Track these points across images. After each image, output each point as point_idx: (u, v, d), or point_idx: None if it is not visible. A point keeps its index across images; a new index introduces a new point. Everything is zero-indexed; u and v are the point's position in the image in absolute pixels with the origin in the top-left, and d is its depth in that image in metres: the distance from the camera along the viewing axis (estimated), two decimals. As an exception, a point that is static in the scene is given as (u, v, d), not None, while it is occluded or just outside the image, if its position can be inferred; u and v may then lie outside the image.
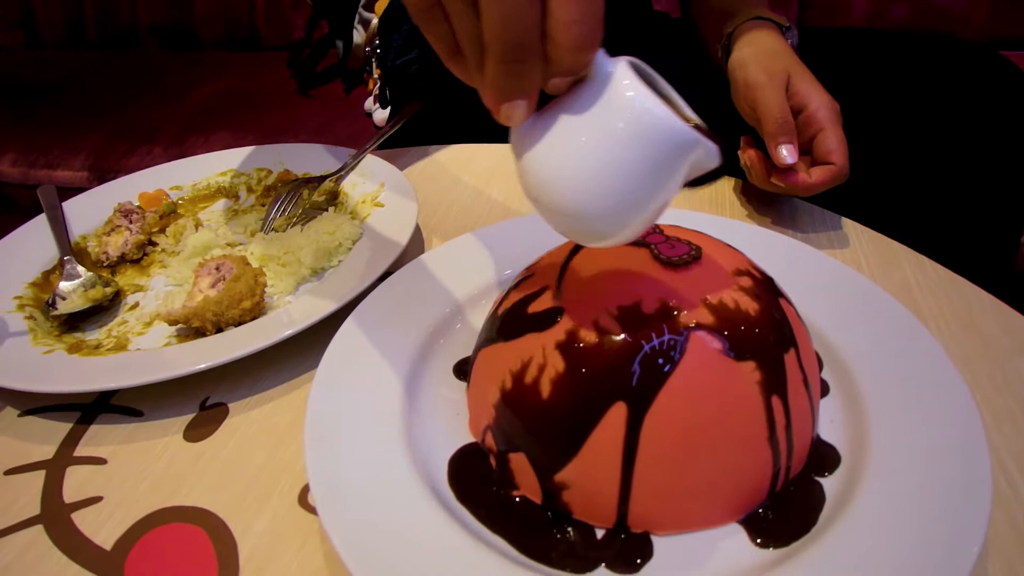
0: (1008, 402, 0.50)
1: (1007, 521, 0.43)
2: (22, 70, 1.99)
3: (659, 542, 0.41)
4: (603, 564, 0.40)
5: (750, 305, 0.43)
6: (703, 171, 0.37)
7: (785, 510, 0.42)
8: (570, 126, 0.35)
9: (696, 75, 0.90)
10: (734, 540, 0.41)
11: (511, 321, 0.46)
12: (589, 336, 0.41)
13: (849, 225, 0.70)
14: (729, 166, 0.77)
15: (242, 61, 1.85)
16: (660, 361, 0.39)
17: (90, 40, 2.03)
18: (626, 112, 0.34)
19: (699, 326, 0.41)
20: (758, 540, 0.41)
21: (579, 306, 0.43)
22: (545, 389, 0.41)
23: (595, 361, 0.40)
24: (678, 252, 0.46)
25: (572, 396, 0.41)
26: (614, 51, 0.37)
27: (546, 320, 0.43)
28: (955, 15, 1.52)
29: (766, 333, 0.42)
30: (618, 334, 0.40)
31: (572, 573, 0.40)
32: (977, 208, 0.80)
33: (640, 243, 0.47)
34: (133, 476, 0.50)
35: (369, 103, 1.43)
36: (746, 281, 0.45)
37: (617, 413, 0.39)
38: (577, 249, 0.49)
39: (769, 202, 0.75)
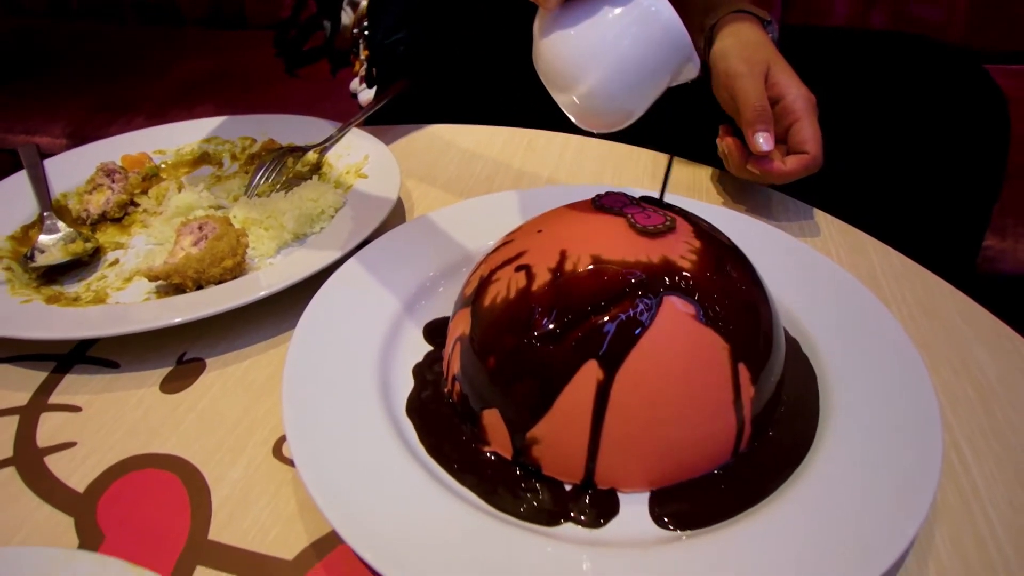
0: (965, 386, 0.52)
1: (956, 494, 0.45)
2: (2, 38, 1.96)
3: (625, 498, 0.43)
4: (570, 518, 0.42)
5: (723, 274, 0.45)
6: (682, 81, 0.47)
7: (745, 471, 0.43)
8: (600, 18, 0.43)
9: (685, 87, 0.92)
10: (698, 495, 0.43)
11: (487, 284, 0.47)
12: (563, 297, 0.42)
13: (820, 215, 0.73)
14: (706, 154, 0.79)
15: (228, 39, 1.84)
16: (633, 323, 0.41)
17: (72, 10, 2.00)
18: (650, 16, 0.43)
19: (672, 291, 0.42)
20: (721, 500, 0.42)
21: (554, 269, 0.44)
22: (519, 348, 0.42)
23: (569, 321, 0.42)
24: (653, 222, 0.47)
25: (545, 354, 0.42)
26: None
27: (521, 282, 0.44)
28: (933, 24, 1.55)
29: (737, 302, 0.44)
30: (592, 295, 0.42)
31: (540, 525, 0.41)
32: (942, 209, 0.83)
33: (616, 212, 0.48)
34: (108, 424, 0.51)
35: (355, 84, 1.43)
36: (720, 252, 0.47)
37: (589, 372, 0.41)
38: (554, 217, 0.50)
39: (744, 191, 0.76)
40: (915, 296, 0.61)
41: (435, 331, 0.55)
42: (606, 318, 0.41)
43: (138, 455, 0.48)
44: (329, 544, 0.42)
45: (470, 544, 0.39)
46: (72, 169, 0.77)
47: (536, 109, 0.97)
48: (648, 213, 0.48)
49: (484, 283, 0.48)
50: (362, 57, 1.35)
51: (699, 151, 0.82)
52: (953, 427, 0.49)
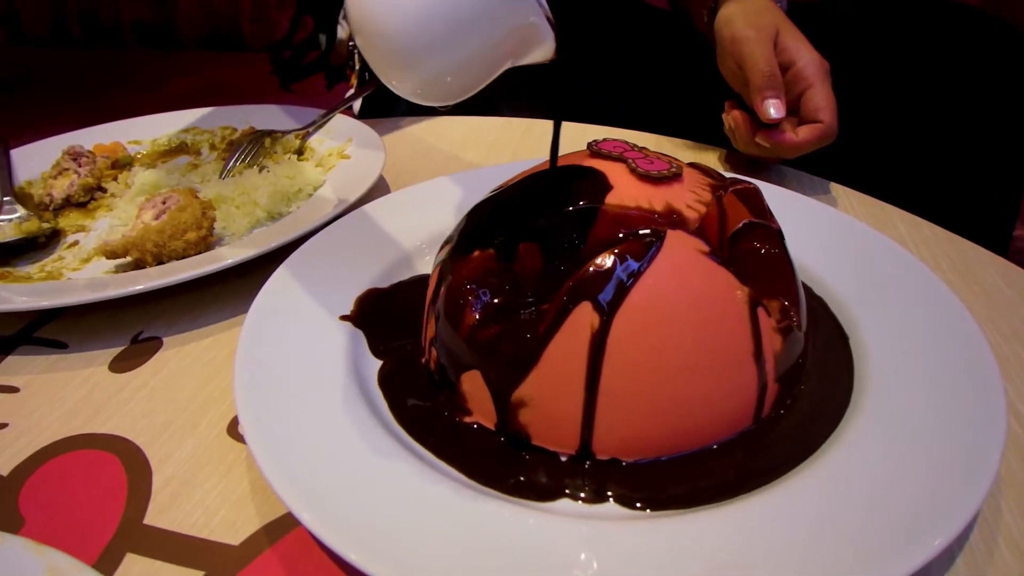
0: (1016, 348, 0.46)
1: (1021, 459, 0.38)
2: (3, 65, 1.96)
3: (628, 470, 0.36)
4: (565, 493, 0.35)
5: (738, 214, 0.40)
6: (531, 56, 0.36)
7: (772, 437, 0.37)
8: None
9: (686, 67, 0.88)
10: (714, 467, 0.36)
11: (466, 234, 0.42)
12: (550, 230, 0.37)
13: (838, 188, 0.67)
14: (712, 134, 0.74)
15: (225, 59, 1.82)
16: (633, 259, 0.35)
17: (74, 37, 2.00)
18: None
19: (680, 224, 0.37)
20: (742, 469, 0.36)
21: (541, 202, 0.38)
22: (501, 289, 0.37)
23: (557, 255, 0.36)
24: (657, 167, 0.42)
25: (530, 300, 0.36)
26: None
27: (506, 219, 0.39)
28: None
29: (755, 241, 0.38)
30: (584, 227, 0.36)
31: (531, 501, 0.35)
32: (970, 185, 0.77)
33: (615, 158, 0.43)
34: (45, 405, 0.45)
35: (350, 95, 1.40)
36: (734, 188, 0.41)
37: (581, 316, 0.35)
38: (547, 166, 0.45)
39: (755, 170, 0.71)
40: (950, 263, 0.55)
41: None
42: (601, 255, 0.35)
43: (75, 435, 0.42)
44: (283, 528, 0.36)
45: (450, 522, 0.33)
46: (40, 159, 0.73)
47: (535, 99, 0.93)
48: (651, 159, 0.43)
49: (463, 234, 0.42)
50: (356, 68, 1.33)
51: (704, 131, 0.77)
52: (1010, 393, 0.43)
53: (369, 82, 0.88)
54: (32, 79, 1.80)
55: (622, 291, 0.35)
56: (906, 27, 0.79)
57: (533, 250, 0.38)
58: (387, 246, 0.54)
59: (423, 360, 0.44)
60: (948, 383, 0.37)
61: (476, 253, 0.40)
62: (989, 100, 0.74)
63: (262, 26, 1.87)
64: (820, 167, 0.70)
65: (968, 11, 0.77)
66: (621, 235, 0.36)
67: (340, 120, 0.77)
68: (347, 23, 1.56)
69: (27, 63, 1.92)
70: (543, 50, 0.36)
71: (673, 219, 0.38)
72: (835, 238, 0.51)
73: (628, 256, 0.35)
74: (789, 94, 0.65)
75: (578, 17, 0.95)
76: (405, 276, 0.52)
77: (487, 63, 0.35)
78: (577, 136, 0.81)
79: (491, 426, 0.39)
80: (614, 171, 0.42)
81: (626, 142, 0.45)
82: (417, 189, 0.61)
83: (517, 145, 0.81)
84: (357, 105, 1.29)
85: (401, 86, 0.36)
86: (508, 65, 0.36)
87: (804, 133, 0.63)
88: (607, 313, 0.35)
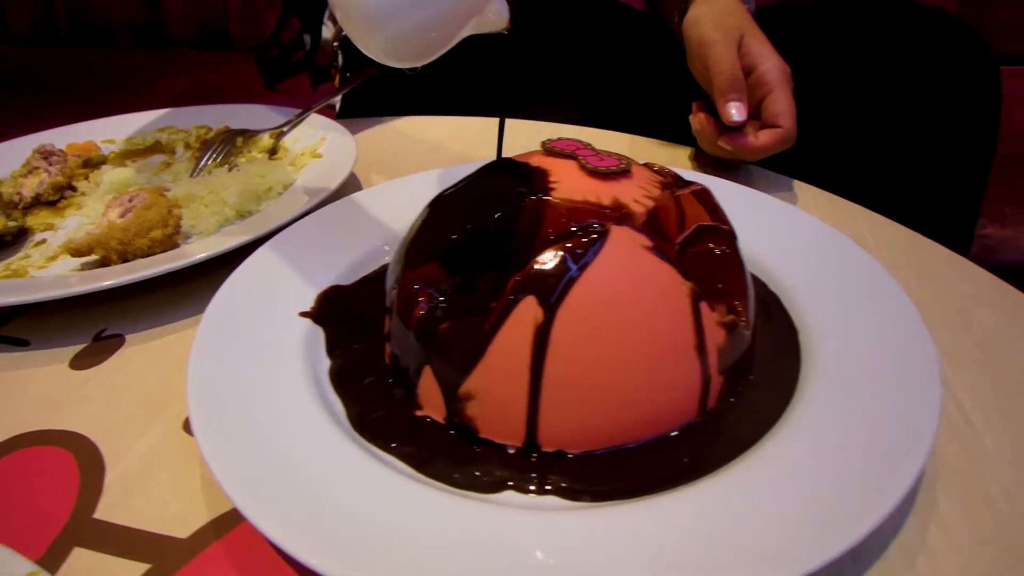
0: (967, 344, 0.47)
1: (962, 452, 0.39)
2: (-12, 65, 1.96)
3: (573, 462, 0.37)
4: (508, 486, 0.36)
5: (687, 210, 0.40)
6: (488, 22, 0.40)
7: (713, 429, 0.38)
8: None
9: (662, 68, 0.88)
10: (658, 458, 0.36)
11: (416, 228, 0.42)
12: (499, 226, 0.37)
13: (802, 187, 0.67)
14: (682, 133, 0.75)
15: (214, 59, 1.83)
16: (577, 253, 0.35)
17: (61, 36, 2.00)
18: None
19: (626, 219, 0.37)
20: (685, 459, 0.36)
21: (490, 199, 0.39)
22: (445, 288, 0.37)
23: (502, 254, 0.36)
24: (607, 164, 0.42)
25: (474, 293, 0.36)
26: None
27: (457, 217, 0.39)
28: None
29: (703, 237, 0.39)
30: (529, 219, 0.36)
31: (478, 493, 0.35)
32: (933, 187, 0.78)
33: (566, 155, 0.43)
34: (3, 402, 0.45)
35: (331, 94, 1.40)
36: (683, 191, 0.42)
37: (525, 310, 0.35)
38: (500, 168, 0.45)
39: (725, 168, 0.71)
40: (909, 260, 0.56)
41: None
42: (546, 250, 0.36)
43: (28, 432, 0.43)
44: (231, 522, 0.36)
45: (395, 516, 0.33)
46: (11, 157, 0.73)
47: (512, 99, 0.93)
48: (602, 156, 0.44)
49: (415, 232, 0.43)
50: (340, 66, 1.33)
51: (675, 130, 0.77)
52: (954, 384, 0.43)
53: (349, 80, 0.88)
54: (20, 79, 1.80)
55: (565, 286, 0.35)
56: (870, 28, 0.80)
57: (481, 246, 0.38)
58: (352, 243, 0.54)
59: (380, 355, 0.44)
60: (888, 373, 0.38)
61: (427, 251, 0.40)
62: (952, 101, 0.75)
63: (251, 26, 1.87)
64: (789, 166, 0.70)
65: (931, 13, 0.78)
66: (568, 230, 0.37)
67: (315, 119, 0.77)
68: (332, 23, 1.56)
69: (14, 63, 1.92)
70: (499, 18, 0.40)
71: (621, 213, 0.38)
72: (793, 236, 0.52)
73: (572, 251, 0.35)
74: (751, 98, 0.65)
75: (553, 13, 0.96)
76: (370, 272, 0.53)
77: (449, 24, 0.39)
78: (549, 136, 0.81)
79: (441, 419, 0.39)
80: (565, 168, 0.42)
81: (580, 141, 0.46)
82: (386, 187, 0.61)
83: (493, 144, 0.81)
84: (338, 104, 1.30)
85: (376, 48, 0.39)
86: (470, 29, 0.40)
87: (764, 137, 0.64)
88: (551, 307, 0.35)
